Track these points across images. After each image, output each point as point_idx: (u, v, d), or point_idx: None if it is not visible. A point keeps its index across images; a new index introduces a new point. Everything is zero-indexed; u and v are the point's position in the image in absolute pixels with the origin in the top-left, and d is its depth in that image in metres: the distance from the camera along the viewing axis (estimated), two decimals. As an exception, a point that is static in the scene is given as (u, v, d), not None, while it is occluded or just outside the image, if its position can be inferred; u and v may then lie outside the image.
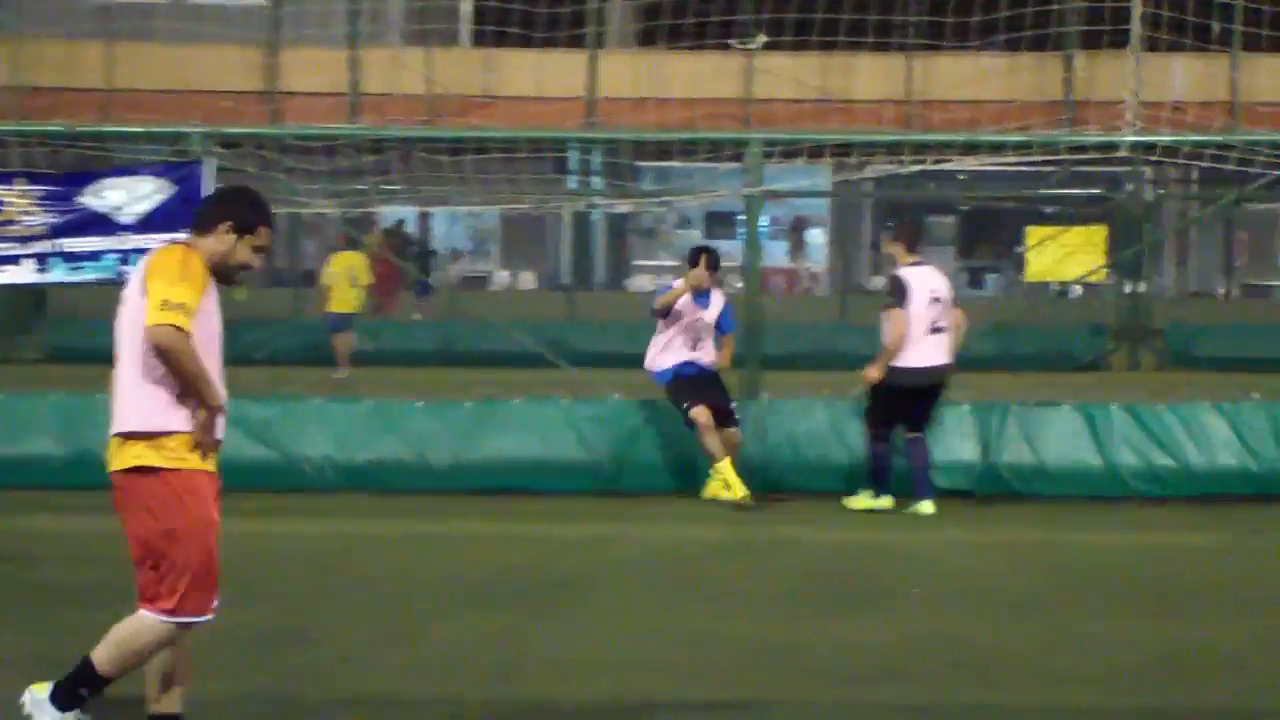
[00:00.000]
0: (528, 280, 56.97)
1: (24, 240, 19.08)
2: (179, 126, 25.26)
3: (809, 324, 41.44)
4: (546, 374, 23.97)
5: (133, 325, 8.55)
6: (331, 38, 47.02)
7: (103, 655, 8.58)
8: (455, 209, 50.45)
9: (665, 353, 18.97)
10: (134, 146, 24.90)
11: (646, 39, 48.86)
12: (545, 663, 11.33)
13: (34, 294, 33.03)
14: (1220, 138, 26.37)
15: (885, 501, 18.39)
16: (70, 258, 18.86)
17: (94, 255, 18.54)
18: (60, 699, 8.65)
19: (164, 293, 8.37)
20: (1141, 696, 10.60)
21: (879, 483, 18.52)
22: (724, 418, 18.55)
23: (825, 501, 18.57)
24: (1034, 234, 51.48)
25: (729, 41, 45.08)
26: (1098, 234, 47.54)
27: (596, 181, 47.78)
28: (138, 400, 8.53)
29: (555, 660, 11.40)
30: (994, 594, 14.20)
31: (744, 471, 18.36)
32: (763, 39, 45.47)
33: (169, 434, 8.50)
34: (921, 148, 24.80)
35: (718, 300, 19.49)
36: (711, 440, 18.26)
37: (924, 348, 18.18)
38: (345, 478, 19.03)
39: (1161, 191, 45.70)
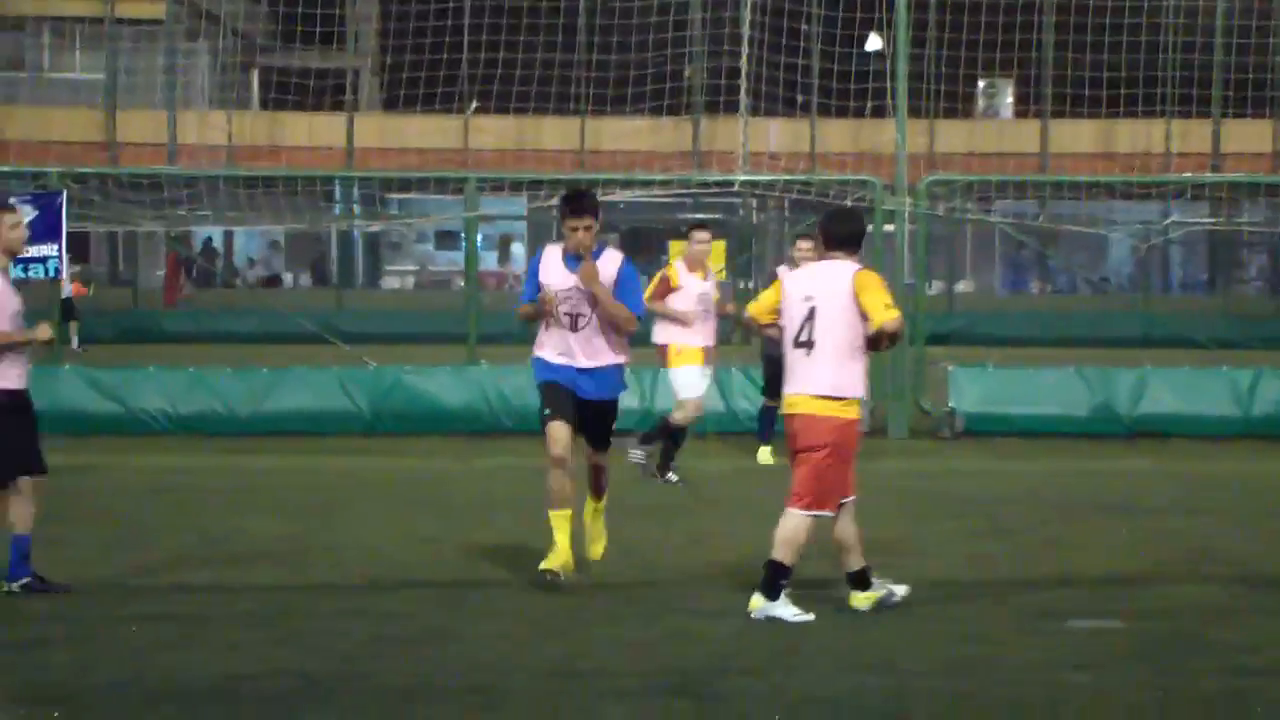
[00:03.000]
0: (305, 280, 56.36)
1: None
2: (41, 167, 24.82)
3: (509, 311, 41.35)
4: (321, 349, 23.86)
5: (838, 321, 9.27)
6: (155, 102, 46.35)
7: (782, 553, 9.18)
8: (250, 228, 49.93)
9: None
10: (4, 183, 24.38)
11: (389, 105, 48.67)
12: (329, 551, 11.38)
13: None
14: (803, 177, 26.91)
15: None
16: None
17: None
18: (768, 593, 9.21)
19: (885, 299, 9.27)
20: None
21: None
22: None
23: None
24: (674, 247, 51.93)
25: (450, 107, 45.08)
26: (718, 247, 48.09)
27: (356, 209, 47.61)
28: (848, 371, 9.34)
29: (336, 546, 11.48)
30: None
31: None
32: (475, 105, 45.59)
33: (857, 398, 9.43)
34: (593, 183, 25.04)
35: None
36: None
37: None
38: (176, 425, 18.82)
39: (763, 215, 46.38)
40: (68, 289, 25.69)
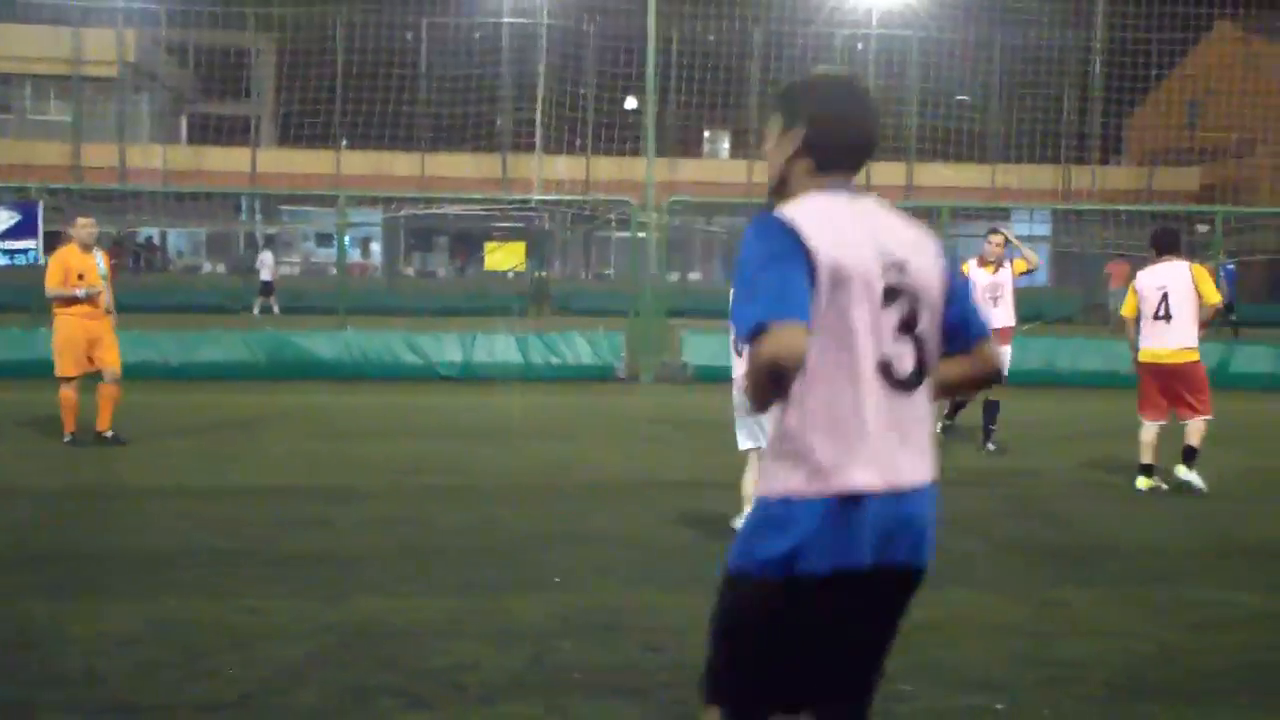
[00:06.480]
0: (221, 268, 54.73)
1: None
2: (23, 183, 23.97)
3: (368, 291, 40.74)
4: (231, 318, 23.17)
5: (1184, 299, 10.11)
6: (109, 137, 44.99)
7: (1196, 437, 10.16)
8: (180, 229, 48.58)
9: None
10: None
11: (282, 141, 47.74)
12: (237, 463, 11.06)
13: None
14: (581, 198, 26.95)
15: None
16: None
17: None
18: (1186, 462, 10.18)
19: (1211, 287, 10.14)
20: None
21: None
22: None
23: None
24: (489, 246, 51.72)
25: (327, 144, 44.38)
26: (520, 246, 48.01)
27: (258, 216, 46.72)
28: (1191, 331, 10.13)
29: (240, 458, 11.17)
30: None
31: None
32: (345, 142, 45.13)
33: (1197, 347, 10.17)
34: (430, 200, 24.79)
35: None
36: None
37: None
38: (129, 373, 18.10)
39: (552, 224, 46.42)
40: None
